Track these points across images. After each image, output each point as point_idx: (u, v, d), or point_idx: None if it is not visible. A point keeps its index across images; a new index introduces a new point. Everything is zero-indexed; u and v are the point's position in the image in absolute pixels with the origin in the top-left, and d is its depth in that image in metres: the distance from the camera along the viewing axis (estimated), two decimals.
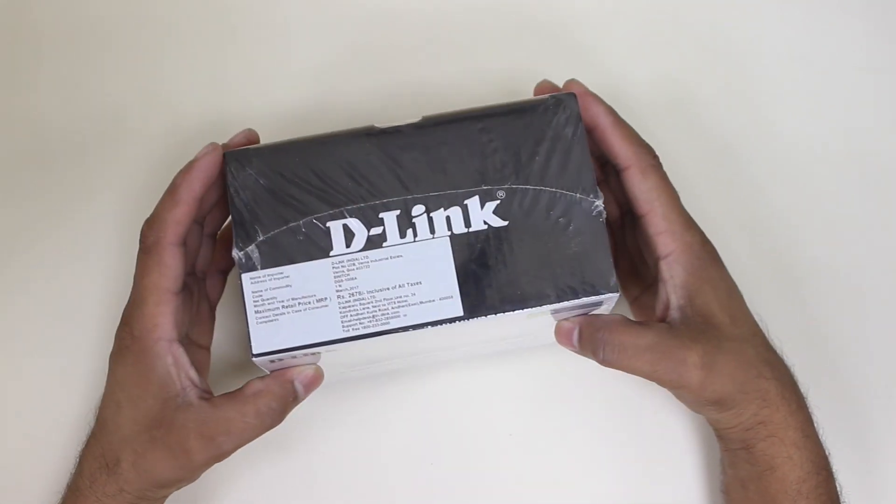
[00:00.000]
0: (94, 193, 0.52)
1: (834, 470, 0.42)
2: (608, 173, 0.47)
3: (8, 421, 0.49)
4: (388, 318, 0.39)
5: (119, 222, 0.51)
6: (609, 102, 0.43)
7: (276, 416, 0.40)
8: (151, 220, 0.40)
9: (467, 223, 0.40)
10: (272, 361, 0.40)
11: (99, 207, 0.51)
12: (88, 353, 0.49)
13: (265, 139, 0.43)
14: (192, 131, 0.52)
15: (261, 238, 0.40)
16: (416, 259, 0.39)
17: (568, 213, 0.40)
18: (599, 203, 0.40)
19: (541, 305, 0.39)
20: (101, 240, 0.51)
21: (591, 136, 0.43)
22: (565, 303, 0.39)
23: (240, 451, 0.42)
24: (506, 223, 0.40)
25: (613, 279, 0.39)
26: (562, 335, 0.42)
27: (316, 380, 0.41)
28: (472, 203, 0.40)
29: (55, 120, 0.53)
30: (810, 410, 0.42)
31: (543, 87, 0.44)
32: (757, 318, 0.42)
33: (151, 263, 0.39)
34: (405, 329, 0.39)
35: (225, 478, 0.47)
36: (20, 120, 0.52)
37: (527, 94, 0.44)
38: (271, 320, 0.39)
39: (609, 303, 0.41)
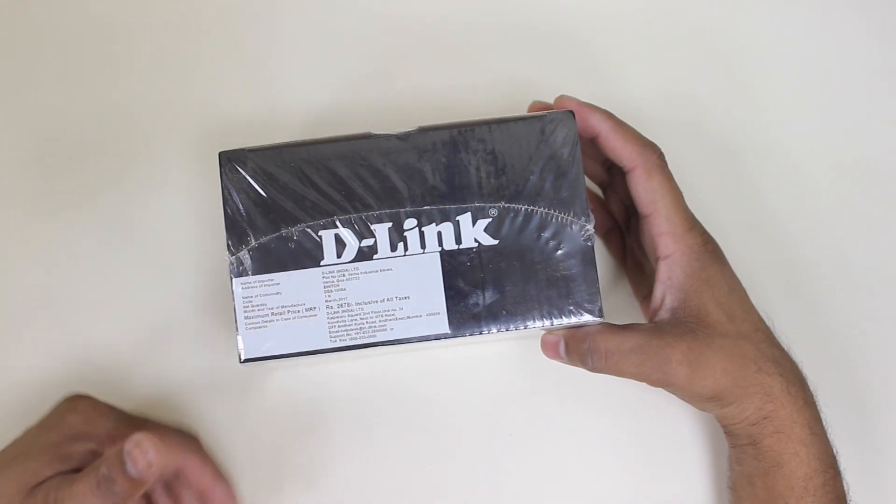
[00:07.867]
0: (96, 194, 0.51)
1: (842, 469, 0.42)
2: (614, 175, 0.46)
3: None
4: (374, 332, 0.39)
5: (120, 222, 0.50)
6: (612, 108, 0.42)
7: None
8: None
9: (458, 240, 0.40)
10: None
11: (100, 207, 0.51)
12: (87, 353, 0.49)
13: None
14: (194, 135, 0.51)
15: (253, 243, 0.40)
16: (405, 273, 0.40)
17: (558, 235, 0.40)
18: (590, 227, 0.40)
19: (526, 326, 0.40)
20: (102, 240, 0.50)
21: (594, 143, 0.42)
22: (550, 325, 0.40)
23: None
24: (496, 242, 0.40)
25: (600, 304, 0.40)
26: (548, 348, 0.43)
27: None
28: (464, 219, 0.40)
29: (58, 121, 0.51)
30: (819, 409, 0.42)
31: (535, 107, 0.43)
32: (764, 317, 0.43)
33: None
34: (391, 343, 0.39)
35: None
36: (22, 121, 0.51)
37: (527, 105, 0.44)
38: (260, 326, 0.39)
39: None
